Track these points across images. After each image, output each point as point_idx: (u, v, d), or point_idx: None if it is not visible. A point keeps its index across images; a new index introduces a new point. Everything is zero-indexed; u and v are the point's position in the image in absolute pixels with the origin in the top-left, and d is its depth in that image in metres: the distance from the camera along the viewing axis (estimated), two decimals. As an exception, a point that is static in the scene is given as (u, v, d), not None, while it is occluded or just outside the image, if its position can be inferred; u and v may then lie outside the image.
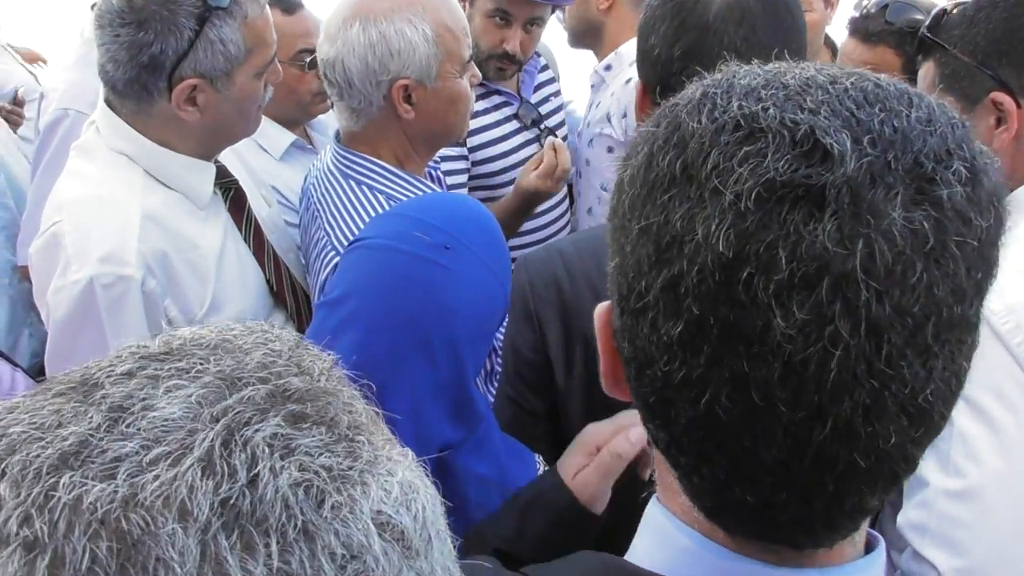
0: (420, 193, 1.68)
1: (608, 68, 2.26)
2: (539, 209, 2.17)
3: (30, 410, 0.41)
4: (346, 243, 1.63)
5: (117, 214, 1.43)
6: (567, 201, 2.29)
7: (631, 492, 0.76)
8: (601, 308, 0.63)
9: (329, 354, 0.49)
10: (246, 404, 0.41)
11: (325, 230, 1.67)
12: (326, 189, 1.70)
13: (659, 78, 1.31)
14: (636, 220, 0.55)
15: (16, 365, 1.52)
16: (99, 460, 0.38)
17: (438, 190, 1.74)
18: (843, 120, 0.51)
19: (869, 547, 0.62)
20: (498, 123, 2.21)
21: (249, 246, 1.62)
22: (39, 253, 1.45)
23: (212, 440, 0.39)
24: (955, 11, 1.33)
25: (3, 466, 0.38)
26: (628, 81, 2.14)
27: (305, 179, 1.81)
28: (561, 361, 1.39)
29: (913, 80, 1.41)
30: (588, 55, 2.52)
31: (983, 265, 0.52)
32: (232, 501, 0.38)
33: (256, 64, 1.48)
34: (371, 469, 0.42)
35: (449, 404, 1.14)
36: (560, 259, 1.40)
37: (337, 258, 1.62)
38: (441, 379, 1.12)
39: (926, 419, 0.52)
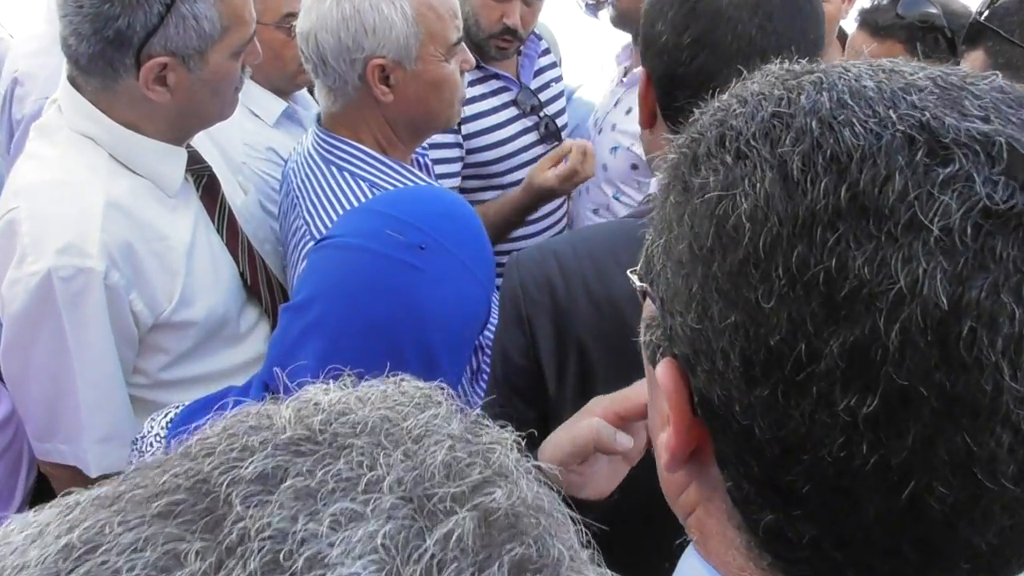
0: (405, 181, 1.59)
1: None
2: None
3: (127, 548, 0.27)
4: (325, 231, 1.54)
5: (79, 201, 1.33)
6: (565, 202, 2.20)
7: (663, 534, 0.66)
8: (666, 369, 0.51)
9: (502, 427, 0.38)
10: (456, 551, 0.29)
11: (304, 218, 1.58)
12: (306, 175, 1.61)
13: (666, 67, 1.22)
14: (781, 267, 0.43)
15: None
16: None
17: (425, 179, 1.64)
18: (1020, 127, 0.44)
19: None
20: (495, 109, 2.10)
21: (222, 237, 1.52)
22: (-7, 243, 1.36)
23: None
24: None
25: None
26: None
27: (285, 163, 1.72)
28: (553, 369, 1.31)
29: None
30: (594, 38, 2.43)
31: None
32: None
33: (232, 43, 1.38)
34: None
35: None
36: (555, 260, 1.31)
37: (317, 249, 1.53)
38: None
39: None
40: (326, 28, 1.46)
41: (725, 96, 0.53)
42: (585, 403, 1.30)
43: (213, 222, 1.51)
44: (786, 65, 0.53)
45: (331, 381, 0.41)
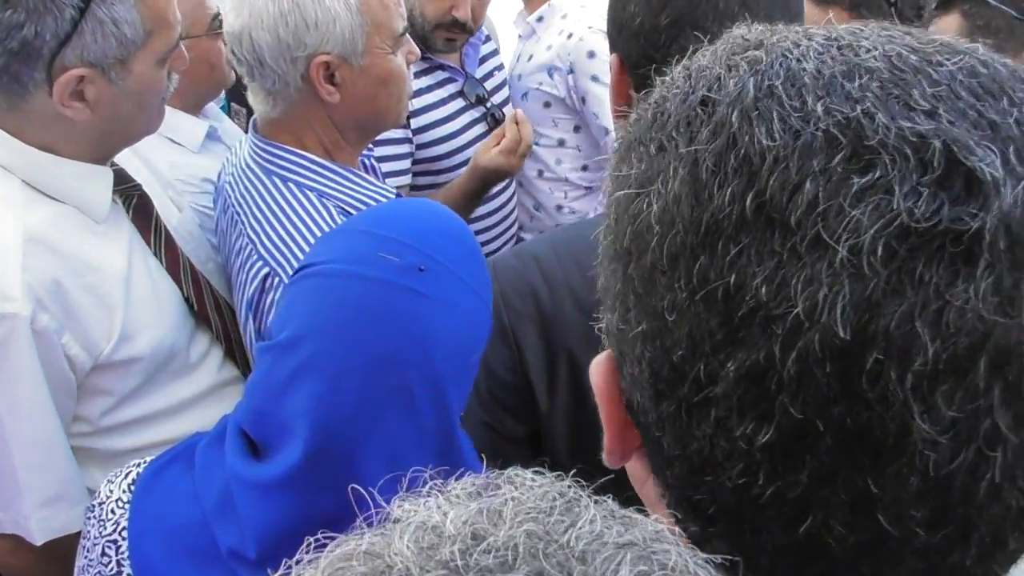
0: (357, 188, 1.47)
1: (540, 20, 2.19)
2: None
3: None
4: (274, 250, 1.41)
5: (-7, 238, 1.17)
6: (513, 181, 2.13)
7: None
8: (599, 364, 0.49)
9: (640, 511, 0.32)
10: None
11: (248, 237, 1.44)
12: (246, 188, 1.47)
13: (642, 51, 1.15)
14: (683, 277, 0.40)
15: None
16: None
17: (379, 184, 1.53)
18: (973, 124, 0.37)
19: None
20: (443, 101, 2.00)
21: (161, 261, 1.37)
22: None
23: None
24: None
25: None
26: (570, 36, 2.09)
27: (219, 177, 1.57)
28: (543, 382, 1.23)
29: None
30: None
31: None
32: None
33: (157, 49, 1.23)
34: None
35: (433, 456, 0.95)
36: (536, 266, 1.23)
37: (265, 268, 1.40)
38: (424, 428, 0.93)
39: None
40: (262, 25, 1.32)
41: (680, 66, 0.48)
42: (578, 416, 1.23)
43: (149, 246, 1.36)
44: (755, 28, 0.47)
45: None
